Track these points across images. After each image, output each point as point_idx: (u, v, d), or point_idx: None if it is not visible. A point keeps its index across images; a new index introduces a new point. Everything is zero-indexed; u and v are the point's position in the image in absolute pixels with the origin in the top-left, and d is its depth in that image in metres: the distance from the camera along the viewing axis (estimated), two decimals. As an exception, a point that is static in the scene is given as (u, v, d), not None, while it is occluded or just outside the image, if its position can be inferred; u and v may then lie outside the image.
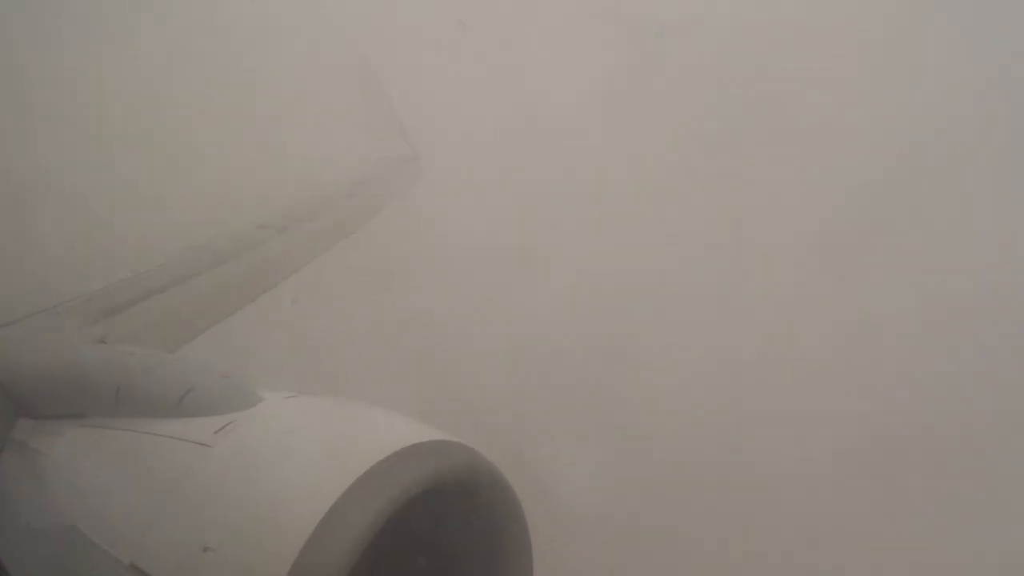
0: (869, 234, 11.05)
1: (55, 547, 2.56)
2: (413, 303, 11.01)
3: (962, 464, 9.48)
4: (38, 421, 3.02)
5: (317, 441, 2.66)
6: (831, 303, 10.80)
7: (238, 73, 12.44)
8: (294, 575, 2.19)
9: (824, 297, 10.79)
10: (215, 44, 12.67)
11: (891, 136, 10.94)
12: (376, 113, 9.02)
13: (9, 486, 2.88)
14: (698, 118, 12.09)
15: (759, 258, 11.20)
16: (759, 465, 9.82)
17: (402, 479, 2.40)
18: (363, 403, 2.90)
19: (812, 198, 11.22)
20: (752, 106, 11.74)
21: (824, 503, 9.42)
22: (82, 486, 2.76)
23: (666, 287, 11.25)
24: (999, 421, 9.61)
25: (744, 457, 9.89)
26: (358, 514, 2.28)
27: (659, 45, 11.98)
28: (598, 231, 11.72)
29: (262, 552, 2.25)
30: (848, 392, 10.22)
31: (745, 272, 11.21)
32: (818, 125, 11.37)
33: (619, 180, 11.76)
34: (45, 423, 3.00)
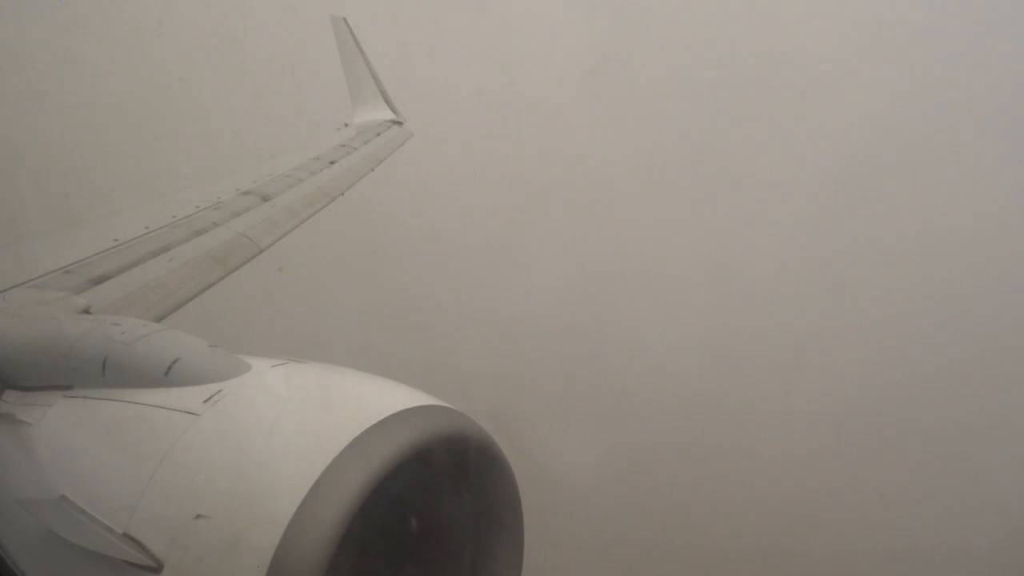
0: (854, 211, 11.11)
1: (46, 517, 2.56)
2: (398, 275, 11.00)
3: (944, 441, 9.66)
4: (24, 392, 3.01)
5: (306, 408, 2.67)
6: (817, 281, 10.89)
7: (218, 41, 12.25)
8: (286, 541, 2.21)
9: (810, 275, 10.87)
10: (194, 12, 12.43)
11: (880, 113, 10.95)
12: (359, 78, 8.89)
13: (-2, 458, 2.88)
14: (683, 96, 12.03)
15: (748, 236, 11.24)
16: (743, 435, 9.96)
17: (391, 445, 2.42)
18: (351, 370, 2.90)
19: (800, 174, 11.24)
20: (739, 82, 11.69)
21: (805, 470, 9.58)
22: (71, 456, 2.76)
23: (650, 263, 11.30)
24: (981, 398, 9.78)
25: (729, 427, 10.03)
26: (348, 480, 2.30)
27: (645, 15, 11.86)
28: (584, 208, 11.71)
29: (254, 519, 2.27)
30: (832, 369, 10.35)
31: (735, 249, 11.26)
32: (807, 97, 11.34)
33: (606, 159, 11.73)
34: (32, 394, 2.98)
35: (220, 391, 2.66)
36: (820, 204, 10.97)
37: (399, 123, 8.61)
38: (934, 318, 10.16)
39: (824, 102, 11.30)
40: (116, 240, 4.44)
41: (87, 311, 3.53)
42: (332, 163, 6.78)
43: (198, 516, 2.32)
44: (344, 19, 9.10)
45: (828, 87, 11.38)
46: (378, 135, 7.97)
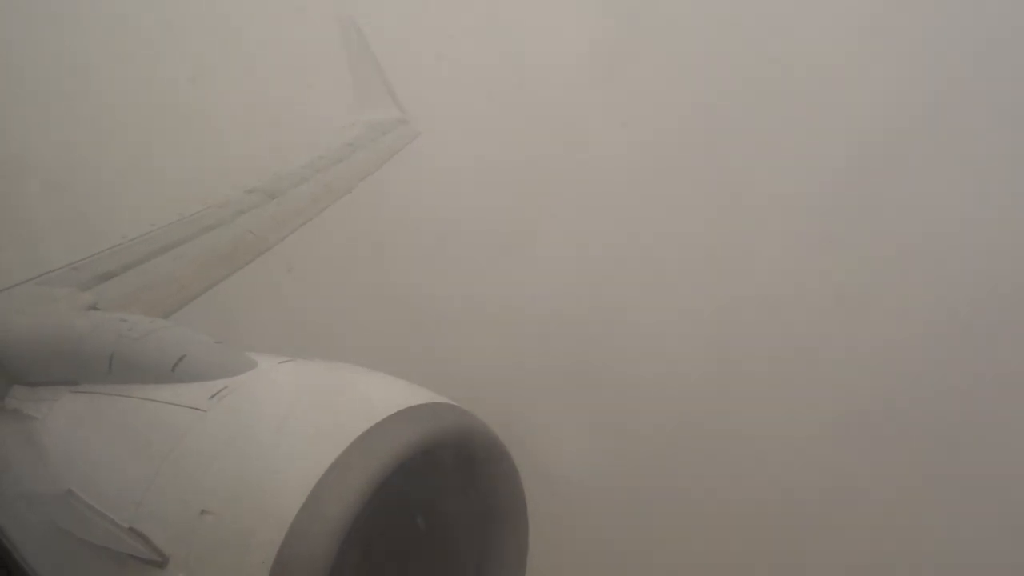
0: (860, 214, 11.09)
1: (52, 511, 2.56)
2: (406, 273, 11.02)
3: (941, 433, 9.65)
4: (32, 388, 3.02)
5: (312, 405, 2.66)
6: (819, 276, 10.87)
7: (227, 40, 12.30)
8: (291, 538, 2.21)
9: (812, 271, 10.85)
10: (200, 10, 12.48)
11: (882, 110, 10.95)
12: (366, 76, 8.91)
13: (4, 452, 2.89)
14: (691, 95, 12.03)
15: (750, 232, 11.23)
16: (747, 432, 9.93)
17: (397, 442, 2.41)
18: (357, 367, 2.90)
19: (805, 178, 11.22)
20: (746, 84, 11.68)
21: (808, 468, 9.55)
22: (78, 451, 2.76)
23: (655, 260, 11.28)
24: (977, 389, 9.77)
25: (732, 425, 10.00)
26: (353, 478, 2.30)
27: (653, 17, 11.88)
28: (589, 205, 11.71)
29: (259, 515, 2.27)
30: (834, 364, 10.32)
31: (737, 251, 11.24)
32: (812, 96, 11.34)
33: (610, 153, 11.73)
34: (39, 390, 2.99)
35: (226, 387, 2.66)
36: (827, 203, 10.96)
37: (405, 121, 8.61)
38: (942, 324, 10.12)
39: (833, 105, 11.30)
40: (123, 237, 4.45)
41: (94, 307, 3.54)
42: (339, 161, 6.78)
43: (203, 512, 2.32)
44: (352, 18, 9.13)
45: (837, 89, 11.39)
46: (385, 133, 7.97)
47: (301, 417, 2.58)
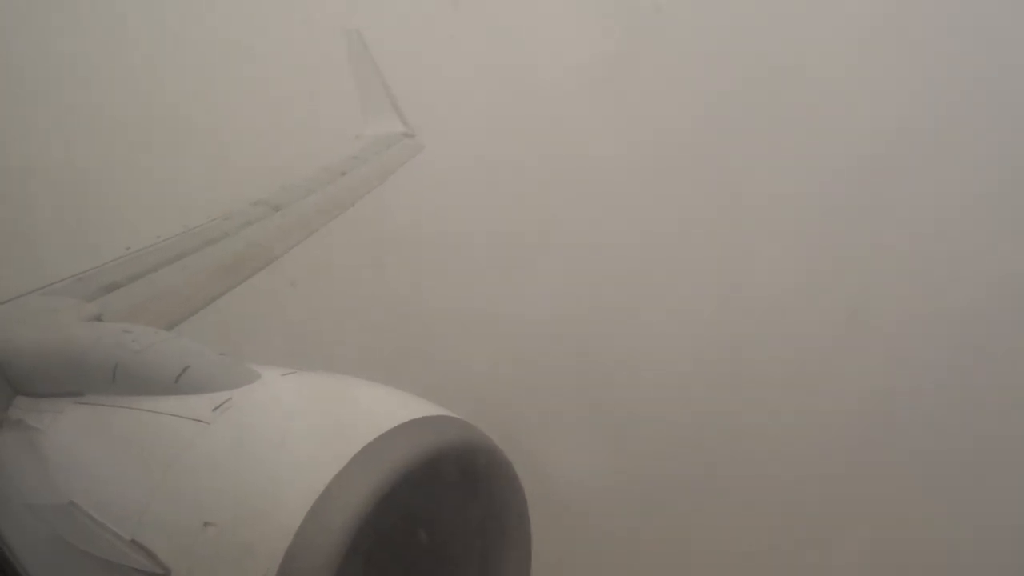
0: (861, 216, 11.10)
1: (55, 523, 2.57)
2: (409, 286, 11.05)
3: (946, 443, 9.62)
4: (36, 399, 3.03)
5: (315, 418, 2.68)
6: (820, 276, 10.87)
7: (232, 52, 12.35)
8: (293, 550, 2.21)
9: (813, 270, 10.85)
10: (208, 23, 12.54)
11: (882, 121, 10.96)
12: (371, 89, 8.94)
13: (8, 463, 2.90)
14: (692, 99, 12.05)
15: (752, 240, 11.24)
16: (751, 442, 9.91)
17: (399, 455, 2.42)
18: (361, 380, 2.90)
19: (805, 180, 11.24)
20: (747, 87, 11.70)
21: (813, 481, 9.53)
22: (81, 463, 2.78)
23: (659, 269, 11.28)
24: (977, 390, 9.76)
25: (736, 434, 9.99)
26: (356, 490, 2.31)
27: (655, 21, 11.91)
28: (590, 214, 11.72)
29: (262, 527, 2.28)
30: (841, 374, 10.31)
31: (738, 254, 11.25)
32: (813, 108, 11.35)
33: (612, 163, 11.75)
34: (43, 401, 3.01)
35: (229, 399, 2.67)
36: (828, 203, 10.98)
37: (410, 135, 8.62)
38: (942, 324, 10.12)
39: (834, 105, 11.33)
40: (128, 248, 4.47)
41: (98, 319, 3.55)
42: (343, 174, 6.79)
43: (206, 523, 2.32)
44: (357, 31, 9.16)
45: (838, 90, 11.42)
46: (389, 147, 7.98)
47: (304, 429, 2.59)
